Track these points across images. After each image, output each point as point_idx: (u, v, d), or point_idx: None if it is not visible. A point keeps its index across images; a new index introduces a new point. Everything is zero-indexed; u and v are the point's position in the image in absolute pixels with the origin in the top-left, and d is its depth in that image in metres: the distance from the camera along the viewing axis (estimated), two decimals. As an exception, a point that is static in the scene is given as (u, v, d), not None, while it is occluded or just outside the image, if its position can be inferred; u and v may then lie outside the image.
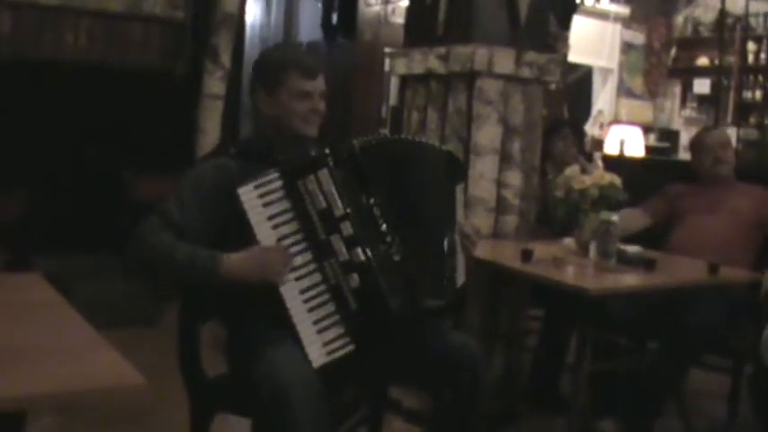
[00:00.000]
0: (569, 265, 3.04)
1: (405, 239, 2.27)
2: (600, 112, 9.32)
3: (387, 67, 6.46)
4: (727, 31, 8.66)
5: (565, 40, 6.36)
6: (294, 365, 2.09)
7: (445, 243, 2.41)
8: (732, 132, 5.79)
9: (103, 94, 5.26)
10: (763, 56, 8.70)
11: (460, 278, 2.47)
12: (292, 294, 2.18)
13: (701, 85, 9.47)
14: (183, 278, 2.21)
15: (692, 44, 9.66)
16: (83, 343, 1.72)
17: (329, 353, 2.16)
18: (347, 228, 2.19)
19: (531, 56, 3.50)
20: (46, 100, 5.11)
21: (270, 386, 2.04)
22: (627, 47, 9.56)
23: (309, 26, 7.25)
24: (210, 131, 4.96)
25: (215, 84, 5.02)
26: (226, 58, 5.05)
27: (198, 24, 5.39)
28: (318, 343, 2.16)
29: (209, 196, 2.23)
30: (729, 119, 8.69)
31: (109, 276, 4.67)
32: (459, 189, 2.50)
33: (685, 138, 9.03)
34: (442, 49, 3.50)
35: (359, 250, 2.19)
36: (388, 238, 2.25)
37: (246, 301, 2.24)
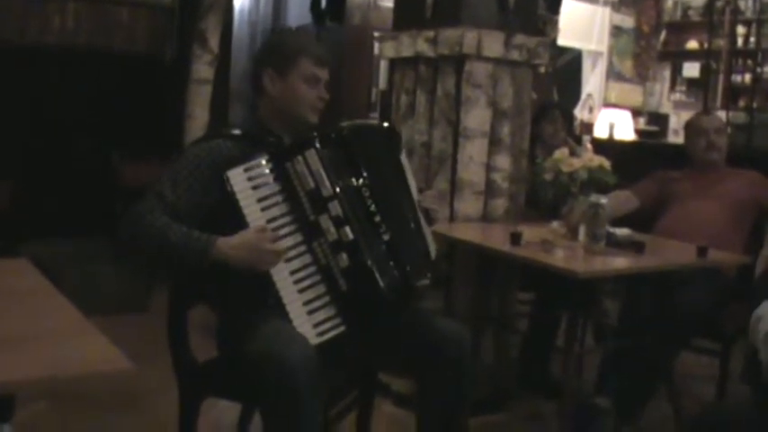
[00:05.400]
0: (558, 247, 3.04)
1: (390, 219, 2.31)
2: (589, 95, 9.32)
3: (376, 50, 6.44)
4: (717, 14, 8.65)
5: (554, 23, 6.36)
6: (292, 339, 2.10)
7: (415, 217, 2.47)
8: (721, 116, 5.79)
9: (91, 79, 5.24)
10: (752, 39, 8.69)
11: (433, 249, 2.50)
12: (282, 276, 2.19)
13: (691, 69, 9.47)
14: (175, 259, 2.18)
15: (681, 28, 9.66)
16: (70, 328, 1.71)
17: (320, 334, 2.17)
18: (335, 207, 2.21)
19: (520, 39, 3.49)
20: (33, 85, 5.08)
21: (270, 360, 2.02)
22: (616, 30, 9.54)
23: (298, 10, 7.21)
24: (199, 117, 4.94)
25: (203, 69, 5.00)
26: (214, 43, 5.02)
27: (186, 9, 5.36)
28: (309, 324, 2.17)
29: (203, 177, 2.24)
30: (719, 102, 8.70)
31: (98, 262, 4.66)
32: (403, 158, 2.53)
33: (675, 121, 9.05)
34: (430, 32, 3.49)
35: (347, 229, 2.21)
36: (377, 218, 2.26)
37: (237, 282, 2.24)
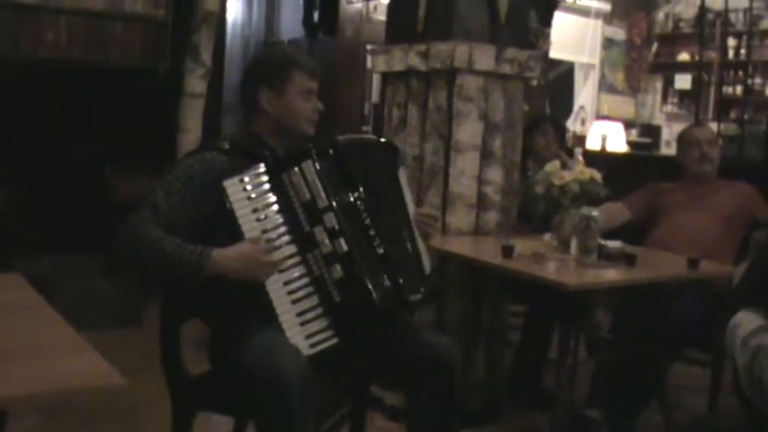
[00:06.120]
0: (550, 260, 3.05)
1: (385, 232, 2.31)
2: (581, 107, 9.36)
3: (369, 64, 6.46)
4: (708, 26, 8.70)
5: (546, 36, 6.39)
6: (286, 351, 2.10)
7: (411, 232, 2.48)
8: (713, 127, 5.82)
9: (84, 93, 5.24)
10: (743, 51, 8.74)
11: (427, 265, 2.50)
12: (276, 287, 2.21)
13: (682, 81, 9.51)
14: (169, 271, 2.18)
15: (672, 40, 9.71)
16: (62, 343, 1.71)
17: (312, 345, 2.18)
18: (330, 219, 2.22)
19: (511, 52, 3.51)
20: (26, 99, 5.08)
21: (263, 373, 2.03)
22: (608, 43, 9.59)
23: (291, 24, 7.24)
24: (192, 130, 4.95)
25: (196, 82, 5.01)
26: (207, 57, 5.03)
27: (179, 23, 5.37)
28: (301, 335, 2.18)
29: (196, 189, 2.25)
30: (710, 114, 8.74)
31: (91, 276, 4.66)
32: (401, 174, 2.54)
33: (667, 133, 9.08)
34: (422, 46, 3.50)
35: (342, 241, 2.22)
36: (372, 231, 2.28)
37: (229, 293, 2.25)
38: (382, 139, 2.80)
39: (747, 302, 2.10)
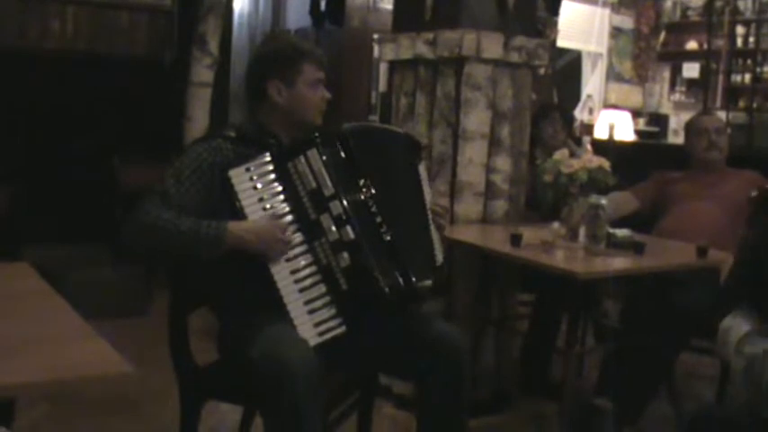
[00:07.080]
0: (558, 249, 3.05)
1: (393, 221, 2.30)
2: (589, 96, 9.32)
3: (376, 53, 6.44)
4: (716, 14, 8.67)
5: (554, 24, 6.35)
6: (293, 344, 2.10)
7: (424, 223, 2.47)
8: (721, 116, 5.79)
9: (91, 83, 5.24)
10: (751, 39, 8.71)
11: (439, 255, 2.49)
12: (283, 275, 2.21)
13: (690, 70, 9.47)
14: (187, 250, 2.19)
15: (680, 28, 9.67)
16: (71, 332, 1.71)
17: (320, 333, 2.18)
18: (336, 206, 2.22)
19: (519, 40, 3.49)
20: (33, 89, 5.08)
21: (270, 365, 2.04)
22: (616, 31, 9.55)
23: (298, 13, 7.22)
24: (199, 119, 4.94)
25: (203, 71, 5.00)
26: (214, 46, 5.02)
27: (185, 12, 5.36)
28: (309, 324, 2.18)
29: (205, 176, 2.25)
30: (718, 103, 8.71)
31: (98, 265, 4.66)
32: (421, 168, 2.53)
33: (674, 122, 9.05)
34: (429, 35, 3.49)
35: (348, 228, 2.22)
36: (378, 219, 2.27)
37: (238, 284, 2.24)
38: (398, 129, 2.78)
39: (735, 304, 2.09)
